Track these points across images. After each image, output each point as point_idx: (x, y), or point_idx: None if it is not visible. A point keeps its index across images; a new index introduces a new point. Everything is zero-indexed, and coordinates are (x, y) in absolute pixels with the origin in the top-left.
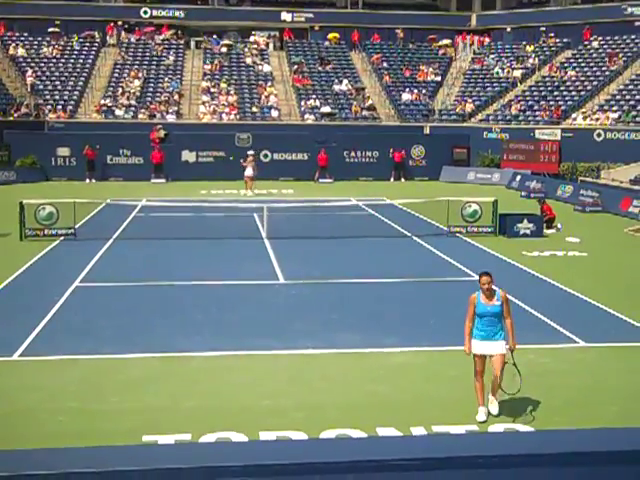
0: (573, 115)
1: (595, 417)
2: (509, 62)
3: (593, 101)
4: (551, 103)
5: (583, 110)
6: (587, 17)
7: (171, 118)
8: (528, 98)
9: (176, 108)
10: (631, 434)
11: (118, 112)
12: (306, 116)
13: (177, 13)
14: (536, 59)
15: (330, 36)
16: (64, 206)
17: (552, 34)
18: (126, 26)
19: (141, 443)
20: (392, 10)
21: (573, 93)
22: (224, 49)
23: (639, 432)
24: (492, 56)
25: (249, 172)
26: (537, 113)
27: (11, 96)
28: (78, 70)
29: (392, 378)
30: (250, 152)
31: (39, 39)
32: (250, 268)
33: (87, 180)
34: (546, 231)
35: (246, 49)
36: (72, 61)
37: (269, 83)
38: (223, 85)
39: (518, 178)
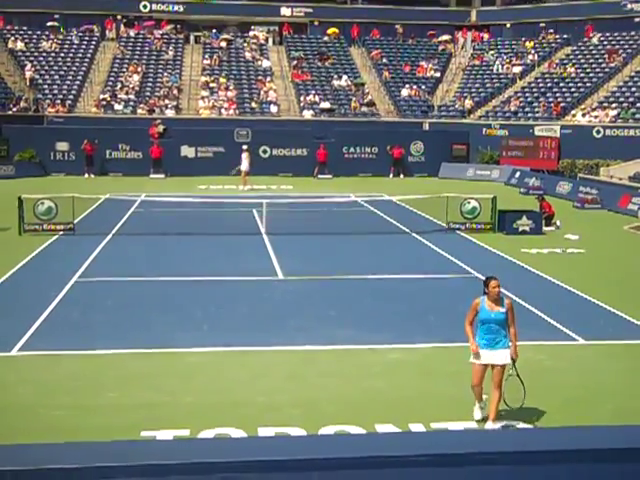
0: (572, 112)
1: (593, 415)
2: (508, 58)
3: (592, 98)
4: (550, 100)
5: (582, 107)
6: (587, 13)
7: (170, 113)
8: (527, 94)
9: (175, 103)
10: (629, 432)
11: (117, 107)
12: (305, 112)
13: (176, 7)
14: (535, 55)
15: (329, 31)
16: (63, 201)
17: (552, 30)
18: (125, 20)
19: (139, 438)
20: (392, 5)
21: (572, 90)
22: (223, 44)
23: (637, 430)
24: (492, 52)
25: (244, 166)
26: (536, 110)
27: (10, 90)
28: (77, 64)
29: (390, 374)
30: (244, 146)
31: (38, 33)
32: (249, 264)
33: (86, 175)
34: (545, 228)
35: (245, 44)
36: (71, 55)
37: (268, 78)
38: (222, 80)
39: (517, 175)
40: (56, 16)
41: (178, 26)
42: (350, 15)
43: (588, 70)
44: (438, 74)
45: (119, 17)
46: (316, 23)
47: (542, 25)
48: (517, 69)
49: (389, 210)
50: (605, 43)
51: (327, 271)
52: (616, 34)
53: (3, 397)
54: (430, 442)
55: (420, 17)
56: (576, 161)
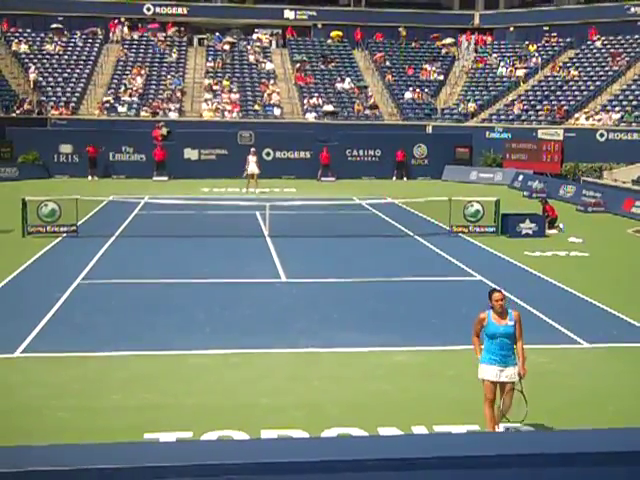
0: (576, 115)
1: (595, 417)
2: (512, 61)
3: (596, 101)
4: (554, 103)
5: (586, 110)
6: (590, 17)
7: (173, 115)
8: (531, 98)
9: (178, 105)
10: (631, 435)
11: (121, 109)
12: (308, 114)
13: (180, 10)
14: (539, 58)
15: (333, 34)
16: (66, 203)
17: (555, 33)
18: (129, 23)
19: (142, 440)
20: (395, 8)
21: (576, 93)
22: (227, 46)
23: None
24: (495, 55)
25: (252, 168)
26: (540, 113)
27: (14, 92)
28: (81, 67)
29: (393, 377)
30: (252, 149)
31: (42, 35)
32: (252, 266)
33: (89, 177)
34: (548, 231)
35: (249, 47)
36: (75, 58)
37: (272, 81)
38: (226, 83)
39: (520, 178)
40: (60, 19)
41: (182, 29)
42: (353, 18)
43: (592, 73)
44: (441, 77)
45: (123, 20)
46: (319, 26)
47: (545, 28)
48: (520, 72)
49: (392, 213)
50: (608, 46)
51: (330, 273)
52: (620, 37)
53: (7, 399)
54: (433, 445)
55: (423, 20)
56: (580, 164)
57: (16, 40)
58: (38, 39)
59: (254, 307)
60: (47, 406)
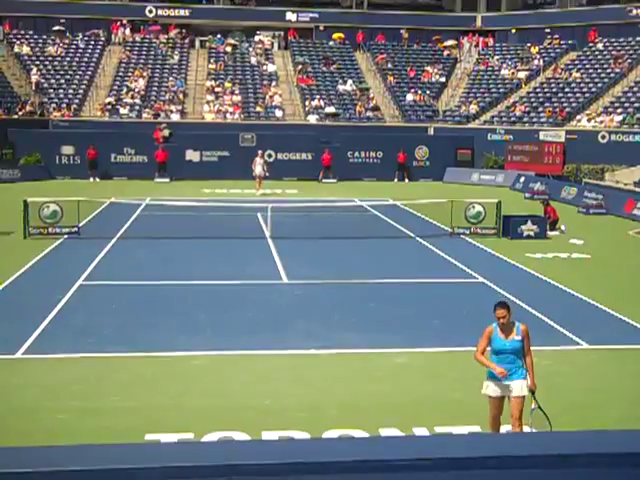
0: (577, 117)
1: (597, 419)
2: (514, 63)
3: (597, 103)
4: (555, 105)
5: (587, 112)
6: (592, 19)
7: (175, 117)
8: (532, 99)
9: (180, 107)
10: (632, 437)
11: (122, 111)
12: (310, 116)
13: (182, 12)
14: (541, 60)
15: (335, 36)
16: (68, 204)
17: (557, 36)
18: (131, 25)
19: (144, 441)
20: (397, 10)
21: (577, 95)
22: (229, 48)
23: None
24: (497, 57)
25: (258, 171)
26: (541, 115)
27: (16, 94)
28: (83, 68)
29: (394, 379)
30: (259, 151)
31: (44, 37)
32: (253, 268)
33: (90, 179)
34: (550, 233)
35: (251, 49)
36: (77, 59)
37: (273, 83)
38: (227, 85)
39: (522, 179)
40: (62, 20)
41: (184, 31)
42: (355, 20)
43: (593, 75)
44: (443, 79)
45: (125, 22)
46: (321, 28)
47: (547, 30)
48: (522, 74)
49: (394, 214)
50: (610, 48)
51: (332, 275)
52: (621, 39)
53: (8, 400)
54: (435, 446)
55: (425, 22)
56: (581, 166)
57: (18, 42)
58: (40, 41)
59: (255, 308)
60: (48, 407)
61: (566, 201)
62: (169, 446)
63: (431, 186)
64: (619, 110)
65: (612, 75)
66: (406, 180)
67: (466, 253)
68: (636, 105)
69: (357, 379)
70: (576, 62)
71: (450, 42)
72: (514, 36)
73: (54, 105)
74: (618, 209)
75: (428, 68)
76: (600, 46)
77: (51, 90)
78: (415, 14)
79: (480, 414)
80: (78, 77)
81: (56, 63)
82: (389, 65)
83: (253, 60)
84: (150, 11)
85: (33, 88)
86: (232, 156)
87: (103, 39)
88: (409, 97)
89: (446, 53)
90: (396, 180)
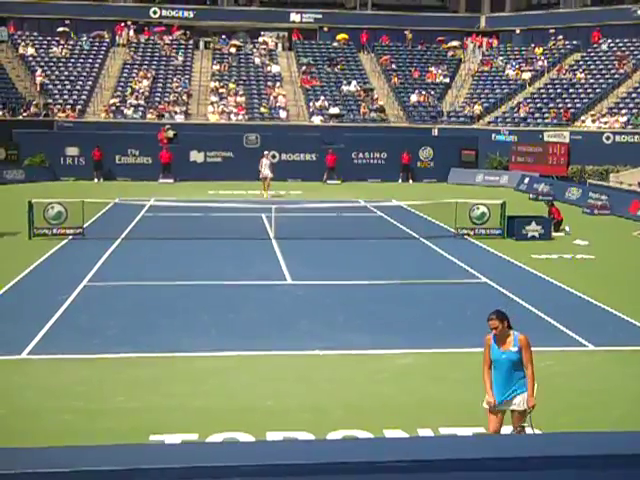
0: (582, 118)
1: (600, 420)
2: (518, 64)
3: (602, 104)
4: (560, 105)
5: (592, 113)
6: (597, 19)
7: (180, 118)
8: (537, 100)
9: (185, 108)
10: (635, 438)
11: (127, 112)
12: (314, 117)
13: (186, 13)
14: (545, 61)
15: (339, 37)
16: (73, 205)
17: (561, 36)
18: (135, 26)
19: (148, 442)
20: (401, 11)
21: (582, 96)
22: (233, 49)
23: None
24: (501, 58)
25: (266, 172)
26: (546, 115)
27: (20, 95)
28: (87, 70)
29: (398, 380)
30: (266, 152)
31: (49, 38)
32: (257, 268)
33: (95, 180)
34: (554, 234)
35: (255, 49)
36: (81, 61)
37: (277, 84)
38: (232, 86)
39: (526, 180)
40: (67, 22)
41: (188, 32)
42: (359, 21)
43: (598, 76)
44: (447, 80)
45: (129, 23)
46: (325, 29)
47: (552, 31)
48: (527, 75)
49: (398, 215)
50: (615, 49)
51: (336, 276)
52: (626, 40)
53: (12, 401)
54: (439, 447)
55: (429, 23)
56: (586, 167)
57: (23, 43)
58: (45, 42)
59: (259, 309)
60: (52, 408)
61: (570, 202)
62: (172, 447)
63: (435, 187)
64: (624, 111)
65: (617, 76)
66: (410, 181)
67: (470, 254)
68: None
69: (361, 380)
70: (580, 63)
71: (454, 43)
72: (518, 37)
73: (59, 106)
74: (623, 210)
75: (432, 69)
76: (604, 47)
77: (56, 91)
78: (419, 15)
79: (485, 415)
80: (83, 78)
81: (61, 64)
82: (393, 66)
83: (257, 61)
84: (154, 12)
85: (38, 89)
86: (236, 157)
87: (107, 40)
88: (413, 98)
89: (450, 54)
90: (400, 181)
